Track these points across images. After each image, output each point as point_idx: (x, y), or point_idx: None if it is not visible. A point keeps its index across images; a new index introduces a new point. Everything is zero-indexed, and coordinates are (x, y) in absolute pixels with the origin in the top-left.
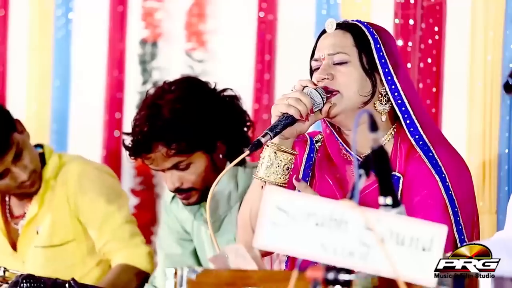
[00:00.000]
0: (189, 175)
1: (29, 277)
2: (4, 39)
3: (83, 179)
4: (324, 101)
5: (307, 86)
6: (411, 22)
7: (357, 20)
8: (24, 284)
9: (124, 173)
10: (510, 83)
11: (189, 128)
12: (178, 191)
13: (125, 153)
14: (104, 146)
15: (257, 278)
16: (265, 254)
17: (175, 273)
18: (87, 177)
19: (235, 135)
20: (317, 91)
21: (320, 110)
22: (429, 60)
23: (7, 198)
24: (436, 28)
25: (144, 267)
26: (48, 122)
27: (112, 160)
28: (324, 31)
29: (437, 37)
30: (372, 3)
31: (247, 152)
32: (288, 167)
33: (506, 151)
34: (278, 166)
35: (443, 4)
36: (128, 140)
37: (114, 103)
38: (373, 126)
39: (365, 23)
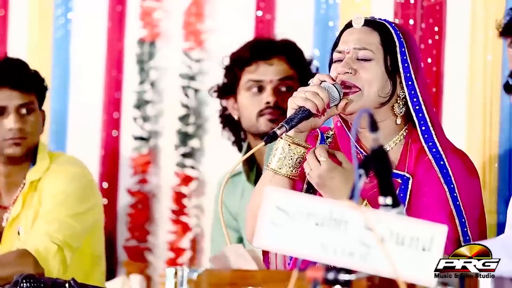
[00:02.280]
0: (288, 97)
1: (29, 277)
2: (4, 39)
3: (54, 180)
4: (341, 97)
5: (325, 81)
6: (411, 22)
7: (385, 20)
8: (24, 284)
9: (121, 172)
10: (510, 83)
11: (304, 60)
12: (275, 108)
13: (123, 152)
14: (102, 146)
15: (258, 278)
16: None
17: (175, 273)
18: (58, 179)
19: None
20: (335, 87)
21: (336, 105)
22: (429, 60)
23: None
24: (436, 28)
25: (37, 253)
26: (47, 122)
27: (110, 160)
28: (348, 25)
29: (437, 37)
30: (372, 3)
31: (262, 143)
32: (300, 161)
33: (507, 151)
34: (291, 158)
35: (443, 4)
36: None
37: (112, 102)
38: (373, 126)
39: (393, 24)
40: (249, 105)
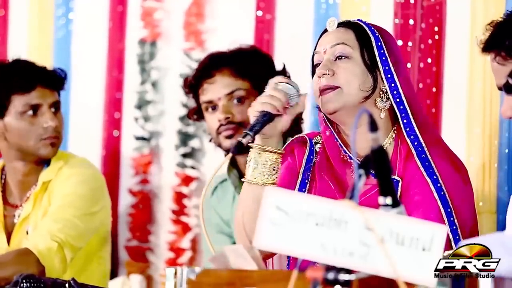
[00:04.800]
0: (242, 108)
1: (29, 277)
2: (4, 39)
3: (65, 181)
4: (299, 92)
5: (280, 82)
6: (411, 22)
7: (358, 20)
8: (24, 284)
9: (122, 172)
10: (510, 82)
11: (259, 66)
12: (227, 124)
13: (124, 152)
14: (104, 146)
15: (257, 278)
16: (267, 256)
17: (175, 273)
18: (70, 180)
19: None
20: (290, 84)
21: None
22: (429, 60)
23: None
24: (436, 28)
25: (38, 251)
26: None
27: (111, 160)
28: (325, 31)
29: (437, 37)
30: (372, 3)
31: (229, 155)
32: (274, 167)
33: (506, 151)
34: (264, 166)
35: (443, 4)
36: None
37: (113, 103)
38: (373, 126)
39: (366, 22)
40: (210, 124)
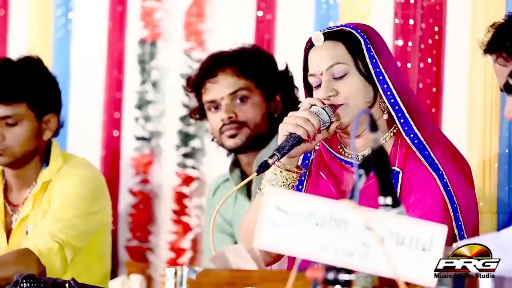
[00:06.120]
0: (245, 108)
1: (29, 277)
2: (4, 39)
3: (65, 181)
4: (331, 120)
5: (315, 105)
6: (411, 22)
7: (342, 26)
8: (24, 284)
9: (122, 172)
10: (510, 83)
11: (261, 66)
12: (230, 123)
13: (124, 152)
14: (103, 146)
15: (257, 278)
16: (274, 261)
17: (175, 273)
18: (70, 180)
19: (290, 98)
20: (325, 110)
21: (327, 128)
22: (429, 60)
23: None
24: (436, 28)
25: (39, 251)
26: None
27: (111, 160)
28: (311, 45)
29: (437, 37)
30: (372, 3)
31: (254, 174)
32: (293, 185)
33: (506, 151)
34: (284, 184)
35: (443, 4)
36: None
37: (113, 103)
38: (373, 126)
39: (351, 26)
40: (213, 124)
